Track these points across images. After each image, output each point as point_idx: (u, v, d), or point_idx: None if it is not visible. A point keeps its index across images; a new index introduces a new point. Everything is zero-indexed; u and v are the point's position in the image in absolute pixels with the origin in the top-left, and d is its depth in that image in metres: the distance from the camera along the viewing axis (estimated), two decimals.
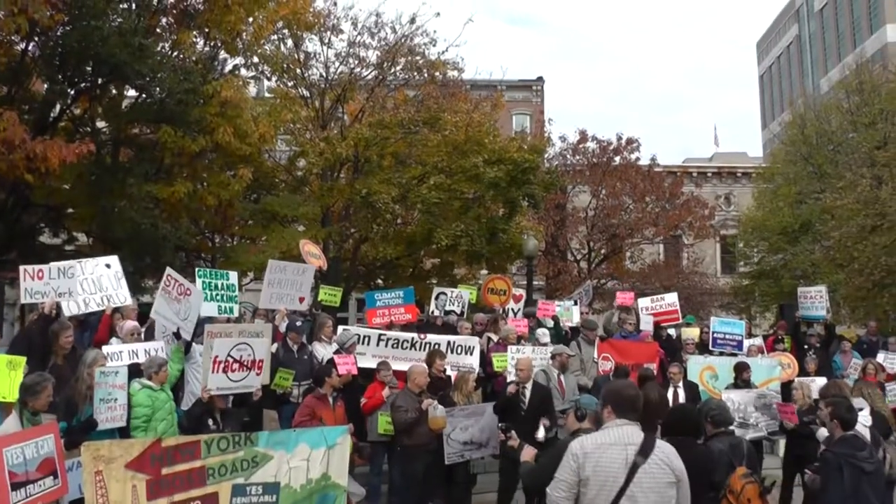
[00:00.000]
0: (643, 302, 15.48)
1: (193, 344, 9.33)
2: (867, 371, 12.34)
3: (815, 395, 10.59)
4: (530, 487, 6.10)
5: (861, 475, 6.27)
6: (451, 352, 11.52)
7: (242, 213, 20.12)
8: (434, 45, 22.63)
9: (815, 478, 6.91)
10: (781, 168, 31.93)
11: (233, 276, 10.91)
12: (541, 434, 8.28)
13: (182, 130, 15.90)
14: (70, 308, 9.57)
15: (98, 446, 6.92)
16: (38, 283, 9.35)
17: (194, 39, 16.93)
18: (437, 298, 14.26)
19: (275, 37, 20.58)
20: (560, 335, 13.89)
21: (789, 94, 58.61)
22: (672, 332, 15.01)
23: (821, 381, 11.66)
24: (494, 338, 12.88)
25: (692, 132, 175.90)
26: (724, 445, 6.17)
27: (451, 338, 11.99)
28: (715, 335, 14.27)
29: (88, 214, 17.08)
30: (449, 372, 11.00)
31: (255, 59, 19.73)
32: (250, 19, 17.38)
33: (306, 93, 22.02)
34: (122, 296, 10.06)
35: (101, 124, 17.77)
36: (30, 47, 15.37)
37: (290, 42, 21.25)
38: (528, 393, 9.73)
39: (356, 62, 22.14)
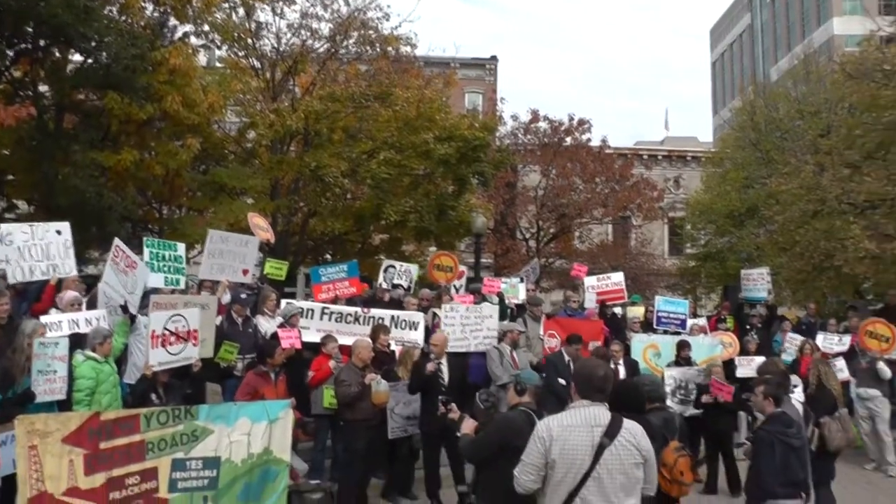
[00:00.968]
0: (589, 281, 15.70)
1: (138, 315, 9.25)
2: (804, 350, 12.79)
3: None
4: (469, 460, 6.19)
5: (790, 451, 6.51)
6: (396, 327, 11.57)
7: (190, 183, 19.88)
8: (387, 20, 22.45)
9: (748, 447, 7.25)
10: (730, 153, 32.46)
11: (180, 248, 10.82)
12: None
13: (129, 97, 15.64)
14: (15, 275, 9.40)
15: (33, 420, 6.83)
16: None
17: (143, 4, 16.67)
18: (385, 271, 14.30)
19: (226, 5, 20.20)
20: (505, 312, 14.04)
21: (740, 81, 59.42)
22: (618, 310, 15.24)
23: (760, 360, 12.02)
24: (440, 314, 12.97)
25: (644, 117, 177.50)
26: (658, 420, 6.34)
27: (396, 312, 12.03)
28: (659, 314, 14.59)
29: (29, 182, 16.78)
30: (393, 347, 11.07)
31: (206, 28, 19.50)
32: None
33: (257, 64, 21.73)
34: (68, 266, 9.84)
35: (43, 88, 17.37)
36: None
37: (241, 11, 20.84)
38: (444, 369, 9.83)
39: (308, 34, 21.89)
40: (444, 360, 9.87)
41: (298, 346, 10.40)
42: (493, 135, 25.02)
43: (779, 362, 11.23)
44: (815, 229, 18.40)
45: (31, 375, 7.49)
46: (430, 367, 9.57)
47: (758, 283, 15.88)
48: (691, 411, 11.31)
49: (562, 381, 10.06)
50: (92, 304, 9.74)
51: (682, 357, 12.35)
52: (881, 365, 12.46)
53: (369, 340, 10.10)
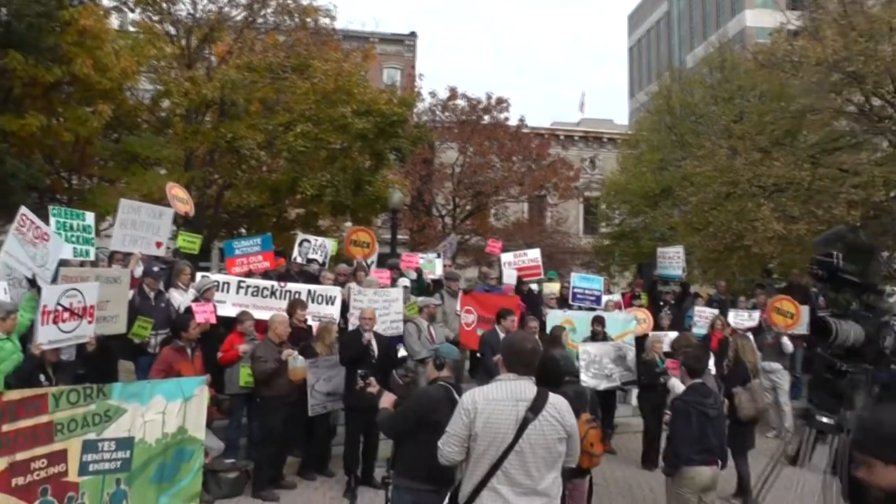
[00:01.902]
0: (506, 257, 15.83)
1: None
2: (715, 326, 13.27)
3: (647, 348, 11.63)
4: (387, 434, 6.15)
5: (706, 420, 6.82)
6: (313, 301, 11.44)
7: (101, 152, 19.13)
8: None
9: (669, 418, 7.48)
10: (646, 136, 33.06)
11: (89, 217, 10.37)
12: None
13: (34, 58, 14.94)
14: None
15: None
16: None
17: None
18: (300, 245, 14.12)
19: None
20: (423, 287, 14.04)
21: (657, 67, 60.61)
22: (534, 286, 15.40)
23: (673, 335, 12.36)
24: (356, 288, 12.87)
25: (561, 99, 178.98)
26: (570, 393, 6.41)
27: (313, 287, 11.88)
28: (575, 290, 14.83)
29: None
30: (310, 322, 10.94)
31: None
32: None
33: (172, 29, 21.09)
34: None
35: None
36: None
37: None
38: (374, 343, 9.80)
39: (225, 1, 21.36)
40: (372, 335, 9.77)
41: (213, 320, 10.18)
42: (412, 111, 24.85)
43: (691, 336, 11.64)
44: (727, 211, 18.95)
45: None
46: (366, 338, 9.48)
47: (673, 261, 16.30)
48: (605, 385, 11.61)
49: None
50: None
51: (597, 332, 12.59)
52: (785, 340, 13.06)
53: (286, 315, 9.96)
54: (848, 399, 3.75)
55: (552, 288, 15.40)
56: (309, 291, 11.54)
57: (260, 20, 22.10)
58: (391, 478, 5.81)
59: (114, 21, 20.25)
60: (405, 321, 11.62)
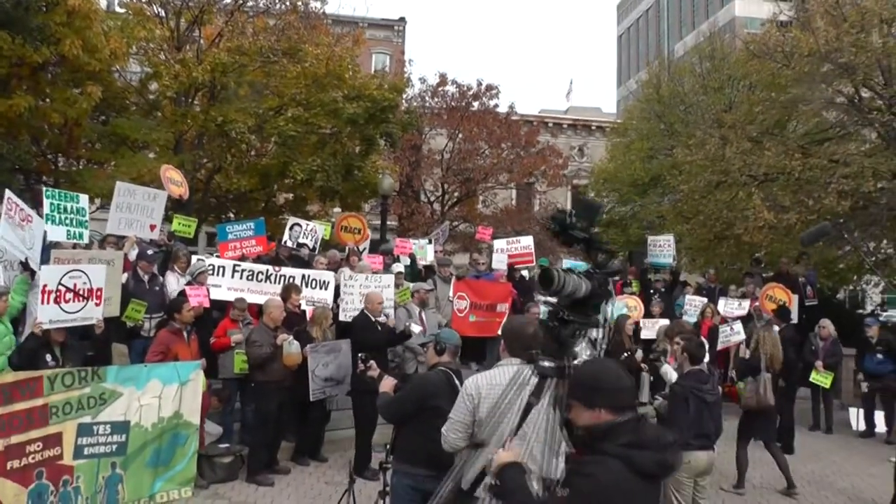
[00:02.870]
0: (499, 243, 15.82)
1: (38, 272, 8.78)
2: (705, 314, 13.33)
3: (660, 336, 11.60)
4: (387, 419, 6.13)
5: (703, 405, 6.87)
6: (307, 286, 11.43)
7: (90, 134, 18.99)
8: None
9: (661, 402, 7.56)
10: (636, 124, 32.95)
11: (83, 199, 10.22)
12: None
13: (21, 38, 14.76)
14: None
15: None
16: None
17: None
18: (291, 229, 14.07)
19: None
20: (416, 273, 14.04)
21: (646, 55, 60.56)
22: (525, 273, 15.41)
23: (664, 322, 12.42)
24: (349, 273, 12.84)
25: (548, 87, 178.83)
26: None
27: (306, 272, 11.88)
28: None
29: None
30: (304, 307, 10.91)
31: None
32: None
33: (161, 11, 20.88)
34: None
35: None
36: None
37: None
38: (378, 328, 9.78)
39: None
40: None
41: (206, 304, 10.15)
42: (402, 96, 24.76)
43: (683, 323, 11.66)
44: (717, 200, 18.97)
45: None
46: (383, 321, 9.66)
47: (664, 249, 16.39)
48: None
49: None
50: None
51: None
52: (776, 327, 13.03)
53: (280, 300, 9.93)
54: (569, 346, 4.12)
55: None
56: (303, 276, 11.54)
57: (250, 3, 21.91)
58: (390, 463, 5.80)
59: (102, 1, 20.05)
60: (396, 307, 11.59)
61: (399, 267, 13.70)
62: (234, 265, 11.20)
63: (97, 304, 8.11)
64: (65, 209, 9.91)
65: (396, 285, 11.88)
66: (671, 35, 67.56)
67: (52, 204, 9.77)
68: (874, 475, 10.83)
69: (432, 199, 34.03)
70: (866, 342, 14.07)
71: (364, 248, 15.37)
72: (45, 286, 7.56)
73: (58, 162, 19.81)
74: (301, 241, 13.83)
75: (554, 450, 4.55)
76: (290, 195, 23.85)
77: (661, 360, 9.91)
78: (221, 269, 11.03)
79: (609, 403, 3.26)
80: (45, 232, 9.41)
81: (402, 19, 46.04)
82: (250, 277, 11.18)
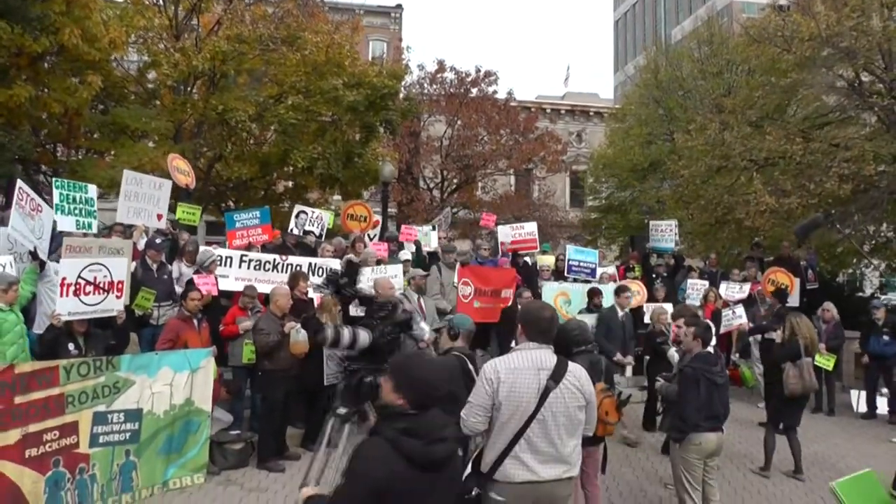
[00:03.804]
0: (504, 230, 15.89)
1: (48, 262, 8.82)
2: (708, 298, 13.42)
3: (654, 319, 11.88)
4: None
5: (713, 387, 6.95)
6: (313, 273, 11.46)
7: (90, 124, 18.96)
8: None
9: (665, 384, 7.65)
10: (634, 109, 32.98)
11: (92, 190, 10.30)
12: None
13: (21, 27, 14.71)
14: None
15: None
16: None
17: None
18: (297, 217, 14.09)
19: None
20: (420, 260, 14.08)
21: (643, 41, 60.56)
22: (529, 259, 15.47)
23: (667, 306, 12.48)
24: (355, 259, 12.87)
25: (546, 72, 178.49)
26: (584, 363, 6.47)
27: (313, 259, 11.93)
28: (570, 263, 14.95)
29: None
30: (311, 294, 10.95)
31: None
32: None
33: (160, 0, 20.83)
34: None
35: None
36: None
37: None
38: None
39: None
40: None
41: (215, 292, 10.20)
42: (401, 83, 24.73)
43: (690, 307, 11.75)
44: (717, 184, 19.02)
45: None
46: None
47: (665, 234, 16.45)
48: None
49: None
50: None
51: (595, 304, 12.70)
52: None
53: (287, 288, 9.96)
54: (363, 394, 5.29)
55: (547, 260, 15.50)
56: (310, 264, 11.57)
57: None
58: None
59: None
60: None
61: (406, 254, 13.74)
62: (242, 255, 11.24)
63: (118, 297, 8.29)
64: (74, 199, 9.96)
65: (404, 272, 11.90)
66: (668, 20, 67.55)
67: (61, 194, 9.83)
68: (876, 456, 10.97)
69: (432, 185, 34.08)
70: (872, 324, 14.16)
71: (375, 235, 15.43)
72: (64, 279, 7.73)
73: (57, 152, 19.75)
74: (307, 228, 13.86)
75: (570, 432, 4.65)
76: (290, 183, 23.86)
77: (668, 344, 10.07)
78: (229, 260, 11.08)
79: (410, 395, 3.38)
80: (55, 221, 9.45)
81: (399, 6, 45.92)
82: (257, 267, 11.22)
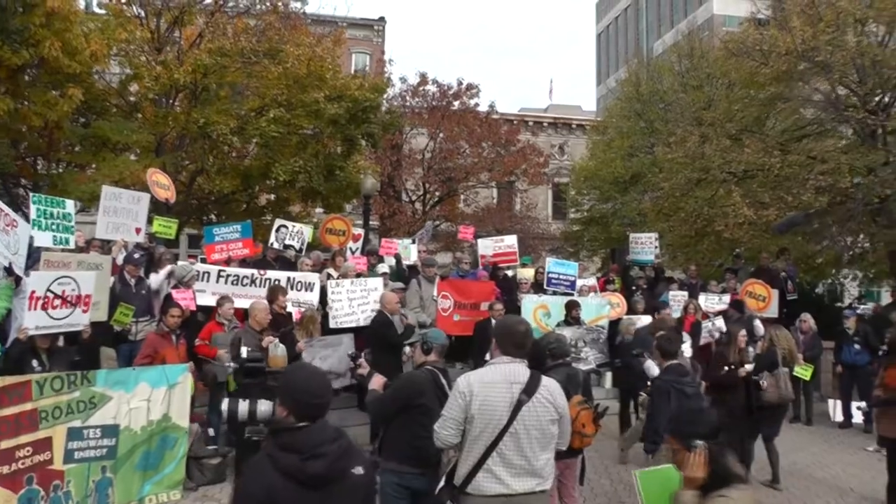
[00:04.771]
0: (484, 243, 15.97)
1: (24, 277, 8.76)
2: (688, 310, 13.54)
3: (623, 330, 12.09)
4: (373, 415, 6.20)
5: (684, 397, 7.07)
6: (292, 288, 11.46)
7: (70, 137, 18.87)
8: None
9: (644, 398, 7.93)
10: (616, 122, 33.23)
11: (69, 205, 10.25)
12: None
13: (1, 39, 14.67)
14: None
15: None
16: None
17: None
18: (277, 230, 14.10)
19: None
20: (400, 273, 14.11)
21: (625, 54, 60.93)
22: (509, 272, 15.54)
23: (647, 319, 12.59)
24: (334, 273, 12.88)
25: (528, 85, 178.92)
26: (561, 376, 6.52)
27: (291, 274, 11.94)
28: (550, 275, 15.01)
29: None
30: (290, 308, 10.95)
31: None
32: None
33: (141, 12, 20.77)
34: None
35: None
36: None
37: None
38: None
39: None
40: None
41: (193, 307, 10.17)
42: (383, 96, 24.75)
43: (666, 317, 11.92)
44: (697, 197, 19.22)
45: None
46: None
47: (646, 246, 16.63)
48: (584, 367, 11.85)
49: None
50: None
51: (573, 317, 12.80)
52: (757, 322, 13.22)
53: (266, 303, 9.94)
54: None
55: (526, 273, 15.57)
56: (288, 278, 11.57)
57: (230, 3, 21.83)
58: (378, 461, 5.86)
59: (80, 2, 19.90)
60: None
61: (384, 267, 13.78)
62: (220, 270, 11.24)
63: (84, 311, 8.14)
64: (51, 214, 9.91)
65: (383, 285, 11.95)
66: (650, 33, 67.97)
67: (38, 209, 9.78)
68: (853, 464, 11.23)
69: (414, 198, 34.11)
70: (844, 334, 14.35)
71: (357, 249, 15.46)
72: (33, 292, 7.59)
73: (38, 165, 19.65)
74: (287, 242, 13.85)
75: (543, 445, 4.69)
76: (272, 196, 23.79)
77: (644, 356, 10.13)
78: (206, 275, 11.06)
79: (292, 408, 3.40)
80: (31, 237, 9.40)
81: (382, 19, 46.04)
82: (235, 282, 11.21)
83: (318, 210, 25.10)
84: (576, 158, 39.08)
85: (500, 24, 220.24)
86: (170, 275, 10.79)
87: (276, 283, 11.20)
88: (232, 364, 8.57)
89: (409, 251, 15.56)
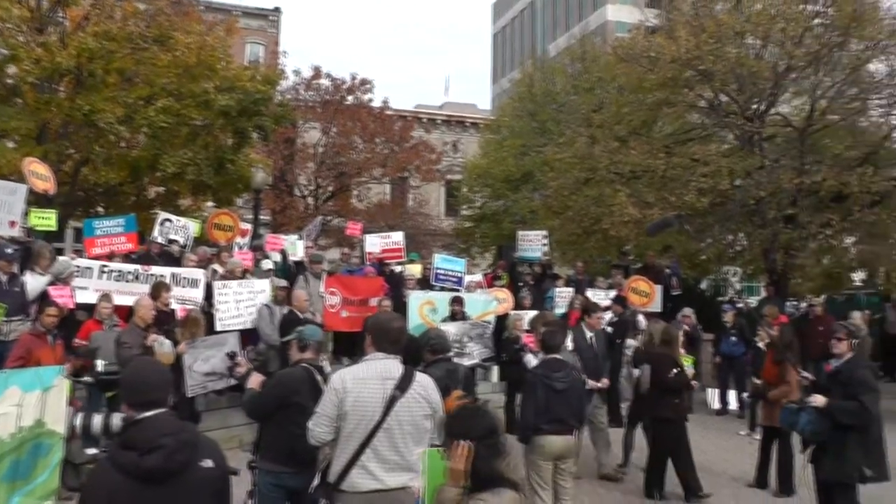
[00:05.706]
0: (372, 239, 15.97)
1: None
2: (573, 305, 13.86)
3: (509, 327, 12.43)
4: (249, 414, 6.14)
5: (552, 392, 7.21)
6: (176, 284, 11.25)
7: None
8: None
9: None
10: (509, 121, 33.73)
11: None
12: None
13: None
14: None
15: None
16: None
17: None
18: (161, 224, 13.79)
19: None
20: (286, 269, 13.98)
21: (520, 54, 61.65)
22: (397, 268, 15.59)
23: (533, 314, 12.84)
24: (220, 270, 12.68)
25: (424, 82, 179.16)
26: (441, 372, 6.60)
27: (176, 270, 11.70)
28: (437, 272, 15.15)
29: None
30: (174, 305, 10.72)
31: None
32: None
33: None
34: None
35: None
36: None
37: None
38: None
39: None
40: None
41: (71, 305, 9.84)
42: (275, 88, 24.39)
43: (548, 314, 12.22)
44: (585, 196, 19.74)
45: None
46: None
47: (534, 243, 16.99)
48: (466, 363, 11.93)
49: None
50: None
51: (456, 312, 12.96)
52: (640, 317, 13.76)
53: (150, 300, 9.73)
54: None
55: (413, 270, 15.67)
56: (172, 275, 11.33)
57: None
58: (256, 462, 5.81)
59: None
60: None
61: (269, 264, 13.63)
62: (102, 266, 10.93)
63: None
64: None
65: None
66: (545, 35, 68.77)
67: None
68: (727, 449, 11.98)
69: (306, 193, 33.83)
70: (722, 327, 15.08)
71: (245, 244, 15.25)
72: None
73: None
74: (172, 237, 13.55)
75: (416, 441, 4.75)
76: (161, 189, 23.14)
77: (524, 350, 10.48)
78: (88, 271, 10.72)
79: (128, 399, 3.39)
80: None
81: (278, 9, 45.30)
82: (118, 278, 10.92)
83: (209, 204, 24.58)
84: (469, 156, 39.45)
85: (400, 22, 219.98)
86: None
87: (161, 279, 10.94)
88: (87, 378, 8.36)
89: (296, 247, 15.42)
